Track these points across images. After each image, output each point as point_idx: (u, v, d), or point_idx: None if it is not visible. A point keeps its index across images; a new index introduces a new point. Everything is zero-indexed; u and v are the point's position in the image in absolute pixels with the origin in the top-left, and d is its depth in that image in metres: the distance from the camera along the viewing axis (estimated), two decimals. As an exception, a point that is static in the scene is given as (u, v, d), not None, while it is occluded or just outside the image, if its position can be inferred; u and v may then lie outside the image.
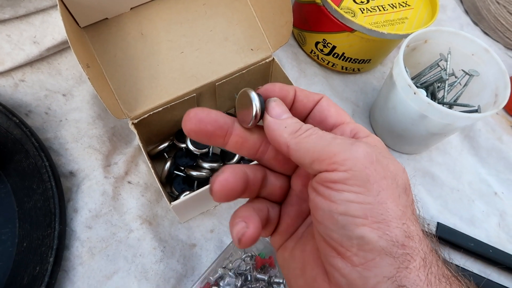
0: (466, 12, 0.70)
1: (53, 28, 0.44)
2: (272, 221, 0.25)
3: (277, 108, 0.22)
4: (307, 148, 0.20)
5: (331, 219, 0.19)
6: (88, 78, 0.33)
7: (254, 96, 0.22)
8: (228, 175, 0.22)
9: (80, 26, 0.39)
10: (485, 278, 0.45)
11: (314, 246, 0.22)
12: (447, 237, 0.46)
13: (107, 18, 0.40)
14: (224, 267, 0.40)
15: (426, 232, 0.20)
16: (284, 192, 0.26)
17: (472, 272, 0.45)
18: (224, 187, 0.21)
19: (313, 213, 0.21)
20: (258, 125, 0.23)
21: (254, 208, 0.24)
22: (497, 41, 0.67)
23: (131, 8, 0.41)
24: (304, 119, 0.25)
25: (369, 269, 0.18)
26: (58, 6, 0.33)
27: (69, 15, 0.36)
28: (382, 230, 0.18)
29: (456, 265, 0.45)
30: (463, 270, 0.45)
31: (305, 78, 0.56)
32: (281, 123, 0.21)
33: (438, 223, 0.47)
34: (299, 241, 0.24)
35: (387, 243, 0.18)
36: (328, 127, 0.24)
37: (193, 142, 0.45)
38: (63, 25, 0.32)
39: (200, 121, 0.21)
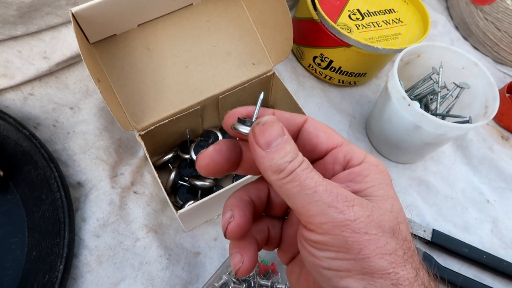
0: (456, 27, 0.73)
1: (62, 44, 0.46)
2: (274, 239, 0.26)
3: (263, 136, 0.20)
4: (288, 197, 0.20)
5: (317, 271, 0.20)
6: (100, 92, 0.34)
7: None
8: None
9: (89, 42, 0.40)
10: (479, 282, 0.46)
11: None
12: (442, 243, 0.48)
13: (115, 34, 0.42)
14: (228, 274, 0.41)
15: (422, 265, 0.21)
16: (285, 209, 0.26)
17: (467, 277, 0.46)
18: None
19: (304, 261, 0.21)
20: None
21: (252, 233, 0.24)
22: (486, 55, 0.70)
23: (138, 25, 0.43)
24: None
25: None
26: (71, 23, 0.35)
27: (80, 32, 0.38)
28: (367, 281, 0.18)
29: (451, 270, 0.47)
30: (458, 275, 0.46)
31: (304, 91, 0.58)
32: (266, 159, 0.20)
33: (433, 229, 0.49)
34: (305, 268, 0.25)
35: None
36: (320, 155, 0.23)
37: (196, 153, 0.47)
38: (77, 41, 0.34)
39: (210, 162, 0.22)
